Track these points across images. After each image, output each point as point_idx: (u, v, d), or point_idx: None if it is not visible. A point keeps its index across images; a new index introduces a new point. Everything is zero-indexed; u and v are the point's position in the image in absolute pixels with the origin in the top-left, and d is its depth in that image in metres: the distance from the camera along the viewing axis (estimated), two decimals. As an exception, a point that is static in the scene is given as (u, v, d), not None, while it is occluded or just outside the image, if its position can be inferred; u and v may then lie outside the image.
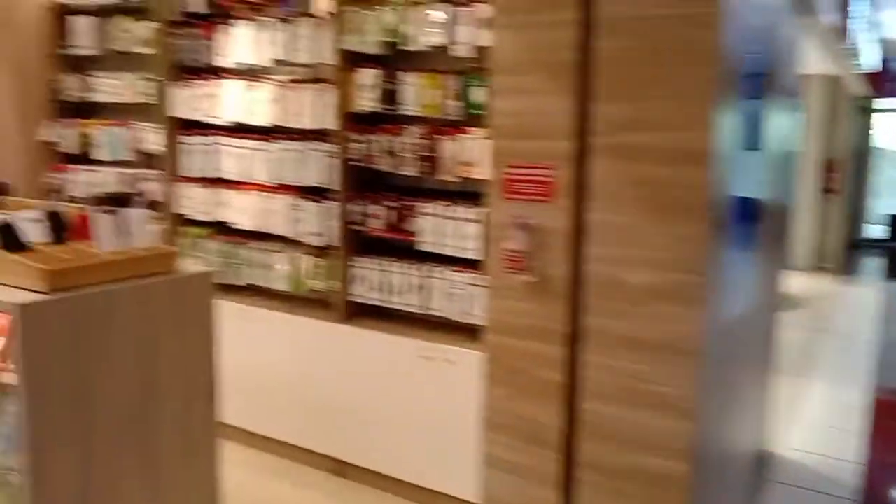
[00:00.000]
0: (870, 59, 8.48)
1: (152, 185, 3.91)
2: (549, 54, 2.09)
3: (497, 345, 2.37)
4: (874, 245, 11.00)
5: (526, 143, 2.16)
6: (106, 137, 4.09)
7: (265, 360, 3.44)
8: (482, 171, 2.82)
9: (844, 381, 5.00)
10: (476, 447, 2.62)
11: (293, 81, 3.31)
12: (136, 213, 2.07)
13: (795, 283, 7.39)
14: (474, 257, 2.88)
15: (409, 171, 3.00)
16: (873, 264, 10.17)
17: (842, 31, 5.91)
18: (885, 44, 9.48)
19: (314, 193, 3.30)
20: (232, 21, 3.41)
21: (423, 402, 3.01)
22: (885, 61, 9.68)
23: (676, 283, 2.03)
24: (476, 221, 2.85)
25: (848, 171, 9.45)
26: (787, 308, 5.38)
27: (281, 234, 3.41)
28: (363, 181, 3.18)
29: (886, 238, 10.59)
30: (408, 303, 3.09)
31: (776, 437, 3.78)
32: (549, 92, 2.10)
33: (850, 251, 9.89)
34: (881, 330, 6.40)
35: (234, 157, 3.52)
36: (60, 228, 2.00)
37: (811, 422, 4.24)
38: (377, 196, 3.11)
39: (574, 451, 2.29)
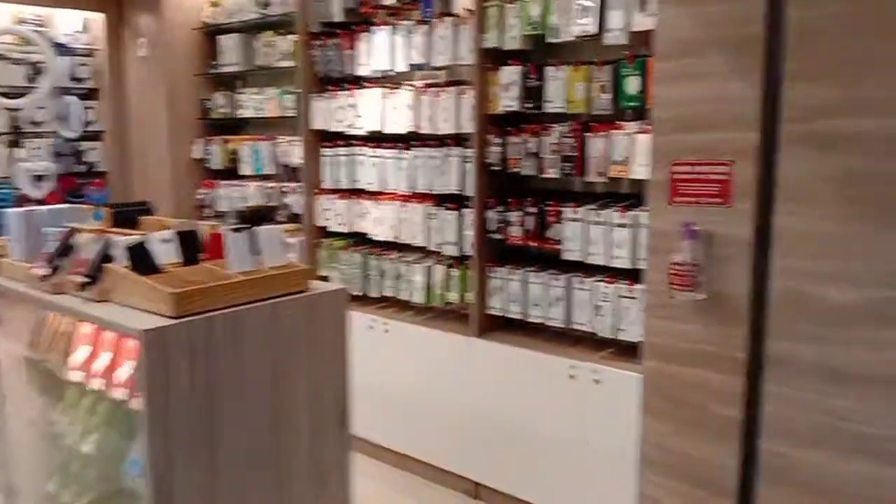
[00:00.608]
0: None
1: (294, 198, 3.93)
2: (728, 29, 1.76)
3: (656, 371, 2.06)
4: None
5: (697, 136, 1.84)
6: (250, 152, 4.18)
7: (398, 372, 3.33)
8: (636, 170, 2.53)
9: None
10: (624, 477, 2.32)
11: (430, 86, 3.16)
12: (268, 231, 1.98)
13: None
14: (625, 266, 2.60)
15: (553, 173, 2.76)
16: None
17: None
18: None
19: (451, 201, 3.14)
20: (370, 28, 3.33)
21: (567, 424, 2.76)
22: None
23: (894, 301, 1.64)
24: (628, 227, 2.56)
25: None
26: None
27: (416, 244, 3.29)
28: (502, 186, 2.98)
29: None
30: (549, 316, 2.85)
31: None
32: (728, 74, 1.77)
33: None
34: None
35: (371, 167, 3.44)
36: (194, 248, 1.94)
37: None
38: (517, 202, 2.89)
39: (750, 498, 1.94)
